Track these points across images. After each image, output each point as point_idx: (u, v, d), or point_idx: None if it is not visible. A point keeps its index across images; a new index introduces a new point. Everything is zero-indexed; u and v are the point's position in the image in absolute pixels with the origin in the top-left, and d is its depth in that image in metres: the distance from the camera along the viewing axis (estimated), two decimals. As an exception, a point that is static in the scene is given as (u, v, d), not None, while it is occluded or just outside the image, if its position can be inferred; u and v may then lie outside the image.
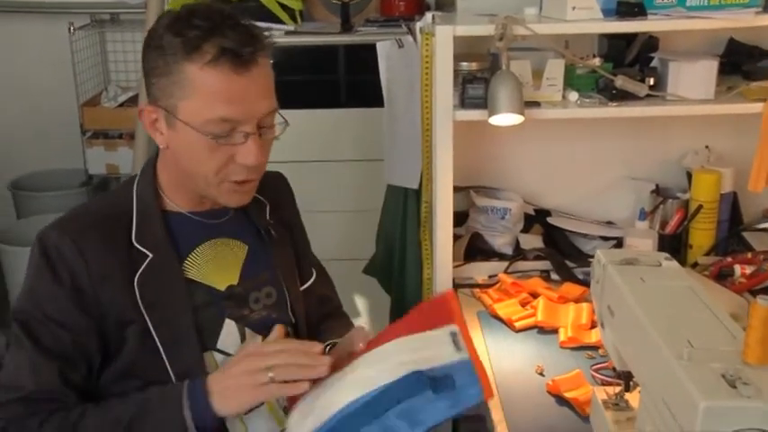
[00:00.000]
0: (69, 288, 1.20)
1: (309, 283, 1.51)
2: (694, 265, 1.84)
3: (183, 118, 1.19)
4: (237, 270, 1.35)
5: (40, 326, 1.20)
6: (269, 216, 1.43)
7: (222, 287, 1.32)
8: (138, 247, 1.26)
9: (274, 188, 1.47)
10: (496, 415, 1.38)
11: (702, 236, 1.87)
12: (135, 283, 1.23)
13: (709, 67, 1.73)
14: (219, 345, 1.31)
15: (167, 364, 1.24)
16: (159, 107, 1.22)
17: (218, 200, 1.29)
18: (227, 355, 1.30)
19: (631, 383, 1.18)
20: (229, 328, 1.31)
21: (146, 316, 1.23)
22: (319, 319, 1.52)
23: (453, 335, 1.17)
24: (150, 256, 1.26)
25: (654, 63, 1.82)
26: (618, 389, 1.20)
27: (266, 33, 1.24)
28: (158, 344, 1.24)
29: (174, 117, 1.20)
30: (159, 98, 1.21)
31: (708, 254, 1.87)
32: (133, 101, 3.25)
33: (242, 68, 1.16)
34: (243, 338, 1.33)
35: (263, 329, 1.36)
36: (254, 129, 1.21)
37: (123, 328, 1.23)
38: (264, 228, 1.40)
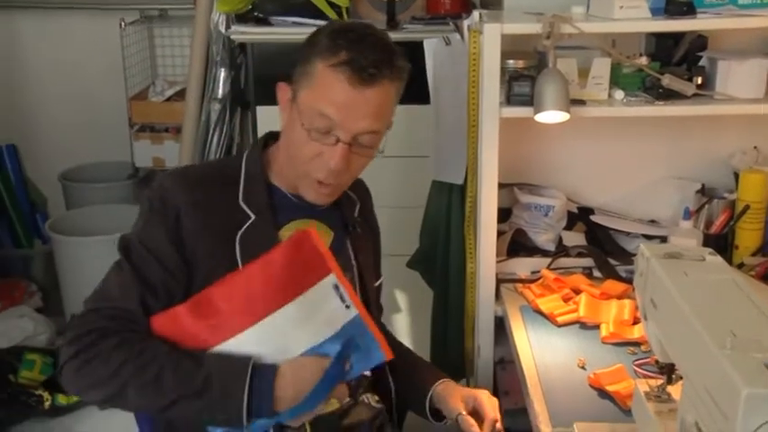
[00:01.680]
0: (172, 232, 1.30)
1: (377, 283, 1.57)
2: (740, 266, 1.83)
3: (298, 103, 1.31)
4: None
5: (139, 256, 1.30)
6: (357, 213, 1.51)
7: None
8: (244, 207, 1.35)
9: (363, 190, 1.57)
10: (539, 406, 1.39)
11: (749, 236, 1.86)
12: (237, 240, 1.32)
13: (760, 66, 1.72)
14: None
15: None
16: (291, 88, 1.34)
17: (302, 193, 1.37)
18: None
19: (674, 376, 1.19)
20: None
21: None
22: None
23: (336, 288, 1.27)
24: (253, 217, 1.35)
25: (702, 62, 1.81)
26: (660, 381, 1.21)
27: (405, 65, 1.33)
28: None
29: (295, 101, 1.32)
30: (294, 81, 1.34)
31: (754, 254, 1.86)
32: (180, 95, 3.31)
33: (358, 83, 1.26)
34: None
35: None
36: (348, 139, 1.29)
37: (212, 278, 1.28)
38: (352, 223, 1.48)
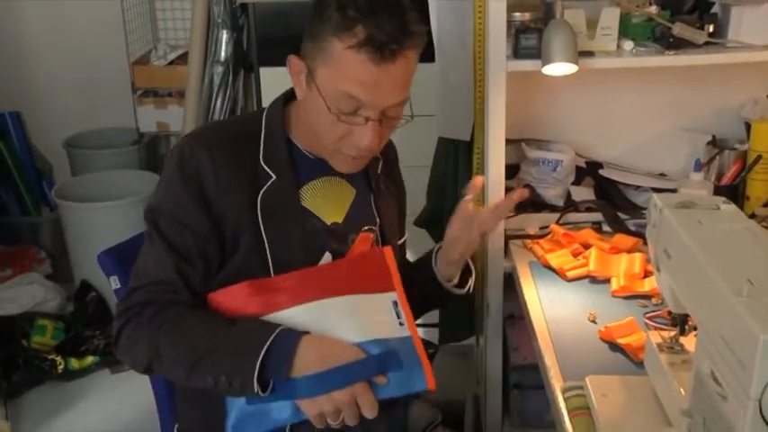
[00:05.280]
0: (197, 195, 1.29)
1: (401, 241, 1.57)
2: (752, 216, 1.81)
3: (318, 83, 1.27)
4: (344, 210, 1.41)
5: (169, 225, 1.30)
6: (380, 170, 1.49)
7: (328, 221, 1.39)
8: (264, 166, 1.34)
9: (388, 148, 1.53)
10: (549, 360, 1.39)
11: (761, 187, 1.84)
12: (258, 200, 1.32)
13: (775, 11, 1.68)
14: None
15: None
16: (305, 63, 1.29)
17: (330, 163, 1.36)
18: None
19: (687, 327, 1.18)
20: (326, 260, 1.37)
21: (263, 232, 1.31)
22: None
23: (395, 304, 1.29)
24: (274, 177, 1.34)
25: (714, 9, 1.77)
26: (673, 333, 1.20)
27: (422, 29, 1.27)
28: (269, 259, 1.31)
29: (312, 79, 1.28)
30: (306, 57, 1.29)
31: (766, 205, 1.84)
32: (182, 59, 3.28)
33: (382, 61, 1.21)
34: None
35: None
36: (377, 116, 1.27)
37: (238, 237, 1.31)
38: (375, 179, 1.47)
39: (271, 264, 1.31)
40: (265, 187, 1.33)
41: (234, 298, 1.28)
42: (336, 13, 1.22)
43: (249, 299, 1.27)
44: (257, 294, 1.27)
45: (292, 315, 1.25)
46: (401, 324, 1.27)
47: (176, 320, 1.24)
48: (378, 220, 1.46)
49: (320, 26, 1.24)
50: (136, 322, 1.26)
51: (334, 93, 1.25)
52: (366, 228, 1.43)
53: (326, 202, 1.39)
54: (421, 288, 1.47)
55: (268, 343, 1.17)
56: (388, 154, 1.54)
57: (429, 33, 1.96)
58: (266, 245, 1.31)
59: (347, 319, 1.25)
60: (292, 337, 1.19)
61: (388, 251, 1.35)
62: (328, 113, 1.26)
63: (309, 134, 1.37)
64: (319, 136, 1.32)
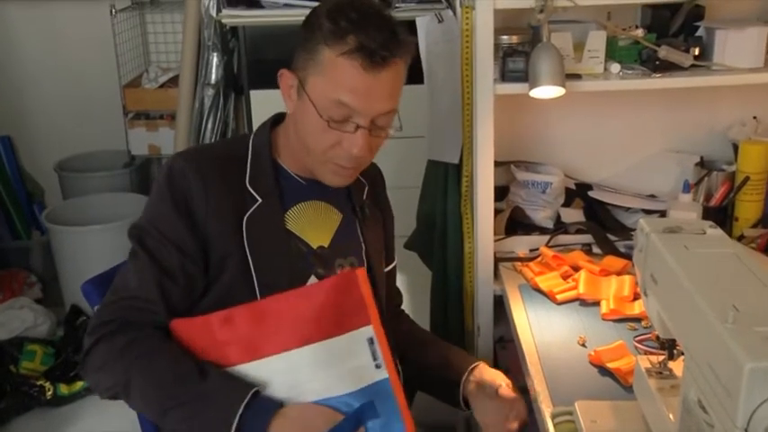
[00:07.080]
0: (185, 215, 1.29)
1: (389, 267, 1.57)
2: (740, 238, 1.81)
3: (308, 92, 1.28)
4: (330, 234, 1.41)
5: (154, 241, 1.29)
6: (365, 197, 1.49)
7: (314, 245, 1.39)
8: (251, 190, 1.34)
9: (373, 174, 1.55)
10: (539, 385, 1.38)
11: (749, 208, 1.85)
12: (244, 223, 1.31)
13: (759, 35, 1.69)
14: None
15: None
16: (296, 75, 1.31)
17: (319, 177, 1.36)
18: None
19: (675, 352, 1.17)
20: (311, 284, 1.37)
21: (248, 255, 1.30)
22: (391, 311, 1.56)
23: (371, 342, 1.26)
24: (259, 200, 1.34)
25: (699, 32, 1.78)
26: (661, 358, 1.20)
27: (411, 39, 1.32)
28: (255, 282, 1.30)
29: (303, 89, 1.29)
30: (298, 68, 1.31)
31: (755, 226, 1.84)
32: (173, 81, 3.28)
33: (372, 68, 1.24)
34: None
35: None
36: (367, 123, 1.28)
37: (224, 259, 1.30)
38: (360, 205, 1.47)
39: (257, 286, 1.31)
40: (251, 210, 1.33)
41: (205, 330, 1.26)
42: (327, 23, 1.25)
43: (221, 336, 1.25)
44: (228, 333, 1.25)
45: (262, 367, 1.24)
46: (377, 366, 1.25)
47: (149, 358, 1.23)
48: (363, 245, 1.46)
49: (311, 35, 1.27)
50: (108, 347, 1.24)
51: (325, 101, 1.26)
52: (351, 260, 1.42)
53: (312, 226, 1.39)
54: (431, 385, 1.50)
55: (239, 414, 1.16)
56: (375, 181, 1.54)
57: (417, 55, 1.98)
58: (252, 268, 1.31)
59: (320, 372, 1.24)
60: (267, 410, 1.18)
61: (361, 273, 1.30)
62: (319, 121, 1.27)
63: (298, 151, 1.37)
64: (309, 146, 1.32)
